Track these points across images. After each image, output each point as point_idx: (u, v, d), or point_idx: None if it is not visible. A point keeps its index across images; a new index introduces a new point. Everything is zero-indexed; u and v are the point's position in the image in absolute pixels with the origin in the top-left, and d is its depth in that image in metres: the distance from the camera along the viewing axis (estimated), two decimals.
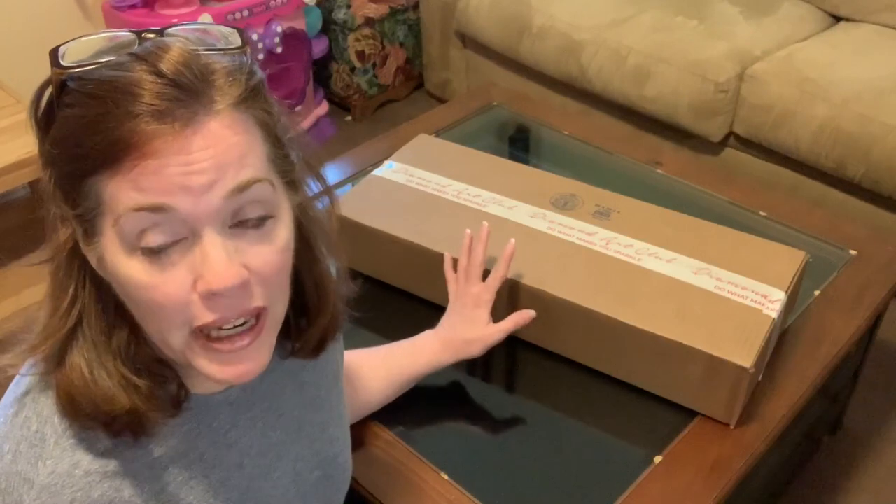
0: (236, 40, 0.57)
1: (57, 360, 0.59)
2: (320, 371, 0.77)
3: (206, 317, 0.55)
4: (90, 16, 2.27)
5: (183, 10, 2.09)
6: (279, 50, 2.26)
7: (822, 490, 1.50)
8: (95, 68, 0.53)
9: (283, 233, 0.58)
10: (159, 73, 0.51)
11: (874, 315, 1.21)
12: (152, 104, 0.50)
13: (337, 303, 0.71)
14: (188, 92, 0.52)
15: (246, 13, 2.16)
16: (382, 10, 2.57)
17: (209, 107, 0.53)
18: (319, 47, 2.52)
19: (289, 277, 0.60)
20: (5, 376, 0.61)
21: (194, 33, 0.57)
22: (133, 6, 2.10)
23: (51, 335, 0.58)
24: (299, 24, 2.35)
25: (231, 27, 0.58)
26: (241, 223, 0.55)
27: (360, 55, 2.59)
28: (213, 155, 0.52)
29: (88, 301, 0.58)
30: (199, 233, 0.53)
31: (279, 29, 2.25)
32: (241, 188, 0.54)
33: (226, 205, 0.53)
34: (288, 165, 0.60)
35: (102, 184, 0.52)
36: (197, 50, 0.54)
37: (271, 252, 0.57)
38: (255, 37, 2.19)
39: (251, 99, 0.55)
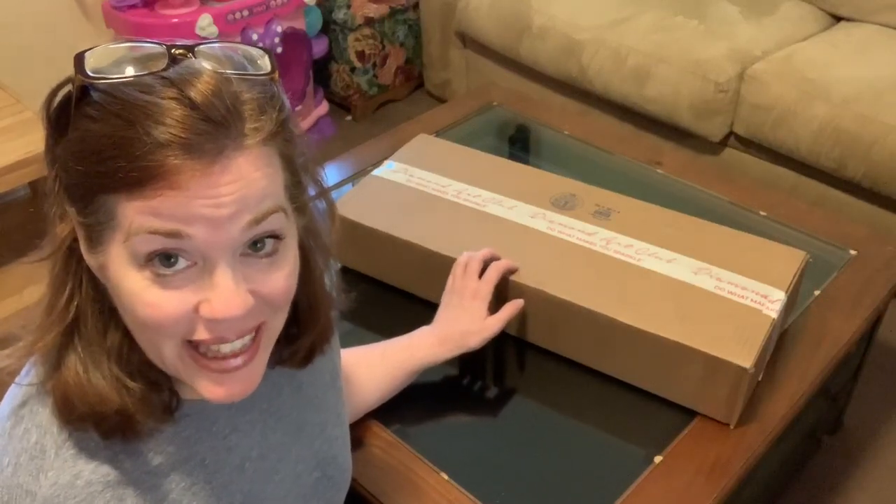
0: (266, 65, 0.56)
1: (54, 363, 0.58)
2: (318, 371, 0.77)
3: (202, 334, 0.55)
4: (90, 16, 2.26)
5: (183, 10, 2.09)
6: (279, 50, 2.26)
7: (822, 490, 1.49)
8: (123, 85, 0.51)
9: (290, 257, 0.58)
10: (191, 103, 0.50)
11: (874, 315, 1.21)
12: (182, 136, 0.50)
13: (328, 315, 0.71)
14: (218, 126, 0.51)
15: (246, 13, 2.16)
16: (382, 10, 2.57)
17: (238, 141, 0.52)
18: (319, 47, 2.51)
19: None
20: (2, 376, 0.61)
21: (224, 51, 0.55)
22: (133, 6, 2.10)
23: (48, 332, 0.58)
24: (299, 24, 2.35)
25: (262, 49, 0.57)
26: (252, 251, 0.55)
27: (360, 55, 2.59)
28: (238, 189, 0.52)
29: (85, 298, 0.58)
30: (212, 260, 0.53)
31: (279, 29, 2.24)
32: (259, 219, 0.54)
33: (242, 236, 0.53)
34: (300, 191, 0.60)
35: (119, 203, 0.51)
36: (228, 75, 0.53)
37: (280, 278, 0.57)
38: (255, 37, 2.19)
39: (279, 134, 0.55)
